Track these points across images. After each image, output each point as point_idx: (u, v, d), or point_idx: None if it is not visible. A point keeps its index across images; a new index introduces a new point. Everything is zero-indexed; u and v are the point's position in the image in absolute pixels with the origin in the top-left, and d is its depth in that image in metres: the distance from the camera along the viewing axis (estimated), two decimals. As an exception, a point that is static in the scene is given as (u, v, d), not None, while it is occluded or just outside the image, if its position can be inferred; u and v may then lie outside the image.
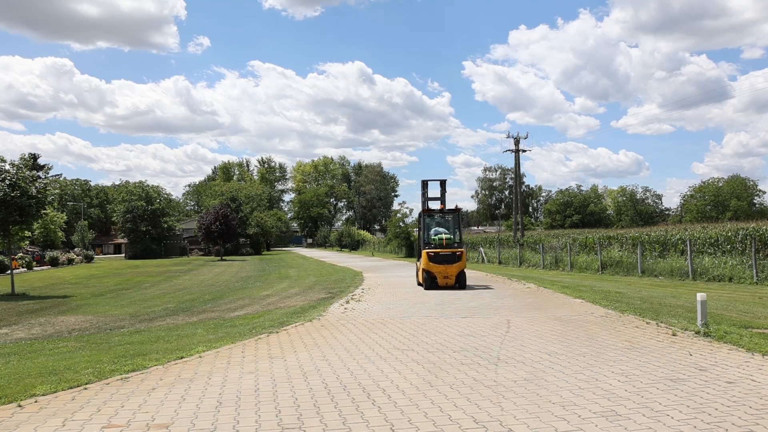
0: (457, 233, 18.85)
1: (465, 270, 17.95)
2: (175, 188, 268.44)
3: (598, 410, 5.33)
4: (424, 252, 17.68)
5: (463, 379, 6.51)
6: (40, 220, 33.93)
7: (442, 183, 19.87)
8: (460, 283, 17.60)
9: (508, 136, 47.88)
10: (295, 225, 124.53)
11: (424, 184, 20.00)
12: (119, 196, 77.56)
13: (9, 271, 28.92)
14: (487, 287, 18.18)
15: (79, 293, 23.49)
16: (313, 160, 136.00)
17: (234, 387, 6.33)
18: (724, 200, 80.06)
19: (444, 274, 17.40)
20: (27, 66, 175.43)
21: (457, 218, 19.23)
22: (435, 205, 19.78)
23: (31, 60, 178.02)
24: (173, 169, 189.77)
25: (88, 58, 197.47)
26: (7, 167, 22.44)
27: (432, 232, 18.57)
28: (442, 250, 17.50)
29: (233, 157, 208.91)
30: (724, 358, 7.27)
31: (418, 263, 18.92)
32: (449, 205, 19.42)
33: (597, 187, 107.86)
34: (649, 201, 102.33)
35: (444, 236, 17.98)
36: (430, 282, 17.45)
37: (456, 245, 17.95)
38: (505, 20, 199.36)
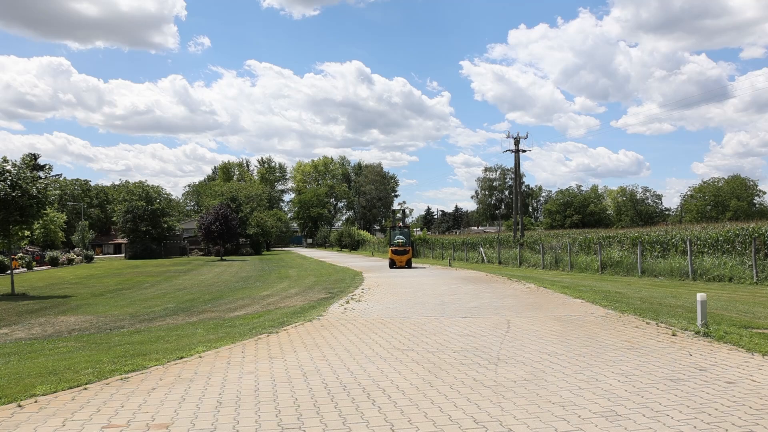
0: (407, 239, 33.87)
1: (411, 258, 33.16)
2: (175, 188, 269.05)
3: (598, 410, 5.33)
4: (390, 249, 33.25)
5: (463, 379, 6.51)
6: (40, 220, 33.95)
7: (403, 212, 41.10)
8: (408, 264, 32.33)
9: (508, 136, 47.97)
10: (295, 225, 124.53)
11: (393, 212, 41.25)
12: (119, 196, 77.55)
13: (9, 271, 28.92)
14: (423, 267, 32.90)
15: (79, 293, 23.49)
16: (312, 160, 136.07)
17: (234, 387, 6.33)
18: (724, 200, 79.96)
19: (399, 260, 32.20)
20: (23, 65, 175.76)
21: (407, 231, 36.11)
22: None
23: (27, 59, 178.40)
24: (172, 169, 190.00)
25: (85, 57, 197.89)
26: (9, 167, 22.44)
27: (394, 238, 33.72)
28: (399, 248, 32.66)
29: (232, 157, 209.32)
30: (724, 359, 7.27)
31: (389, 255, 33.57)
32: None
33: (597, 187, 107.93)
34: (649, 201, 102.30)
35: (400, 241, 33.17)
36: (392, 264, 32.22)
37: (406, 245, 33.13)
38: (505, 19, 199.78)
